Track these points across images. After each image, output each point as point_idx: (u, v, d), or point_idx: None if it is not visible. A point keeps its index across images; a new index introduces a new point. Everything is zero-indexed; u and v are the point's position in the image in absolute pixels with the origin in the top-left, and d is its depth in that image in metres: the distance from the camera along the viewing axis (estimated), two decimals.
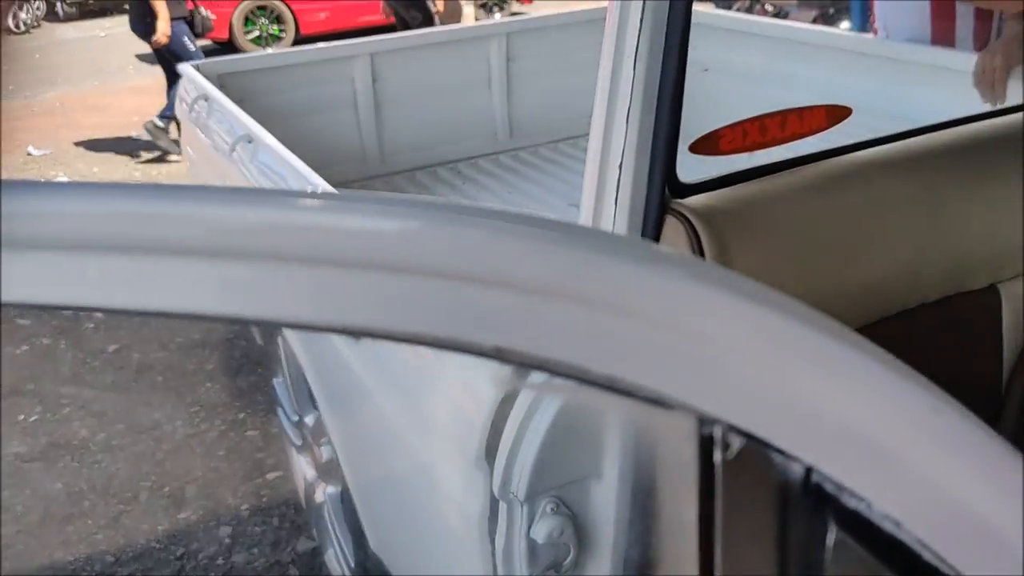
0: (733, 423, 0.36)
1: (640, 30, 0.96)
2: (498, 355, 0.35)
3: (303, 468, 2.40)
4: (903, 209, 1.14)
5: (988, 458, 0.37)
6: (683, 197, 1.08)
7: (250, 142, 2.13)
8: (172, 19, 5.14)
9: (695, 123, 1.28)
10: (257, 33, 9.28)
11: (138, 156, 6.06)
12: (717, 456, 0.39)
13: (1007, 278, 1.21)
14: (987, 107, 1.90)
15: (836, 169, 1.15)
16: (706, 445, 0.39)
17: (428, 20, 5.37)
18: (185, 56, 4.80)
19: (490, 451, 1.17)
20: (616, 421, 1.15)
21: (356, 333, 0.36)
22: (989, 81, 2.03)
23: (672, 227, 1.03)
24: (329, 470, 2.12)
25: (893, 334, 1.13)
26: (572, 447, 1.14)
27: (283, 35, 9.40)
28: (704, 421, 0.37)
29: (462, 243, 0.36)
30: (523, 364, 0.35)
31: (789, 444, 0.36)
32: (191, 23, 5.39)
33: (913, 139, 1.22)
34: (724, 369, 0.36)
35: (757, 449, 0.36)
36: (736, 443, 0.37)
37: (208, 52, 8.87)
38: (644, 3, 0.96)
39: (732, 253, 1.01)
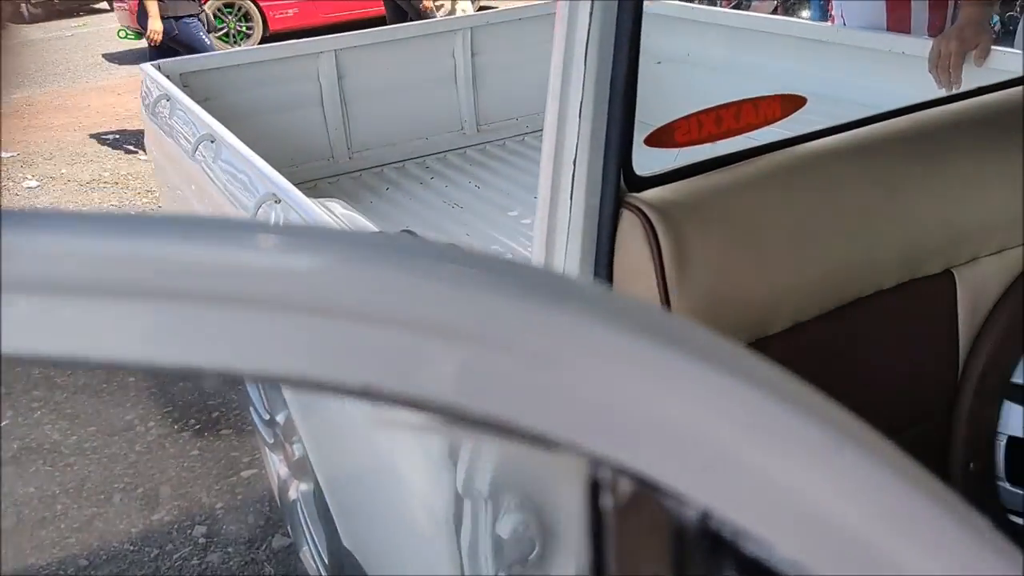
0: (622, 463, 0.34)
1: (590, 23, 0.96)
2: (366, 394, 0.33)
3: (276, 466, 2.40)
4: (859, 197, 1.15)
5: (889, 493, 0.36)
6: (639, 191, 1.09)
7: (212, 142, 2.12)
8: (185, 16, 5.17)
9: (657, 114, 1.29)
10: (225, 30, 9.20)
11: (107, 157, 6.00)
12: (607, 500, 0.37)
13: (961, 263, 1.22)
14: (943, 92, 1.92)
15: (792, 159, 1.16)
16: (594, 489, 0.37)
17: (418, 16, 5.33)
18: (202, 50, 4.86)
19: (453, 448, 1.17)
20: None
21: (219, 375, 0.33)
22: (945, 67, 2.06)
23: (628, 222, 1.04)
24: (301, 468, 2.11)
25: (850, 322, 1.15)
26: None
27: (251, 32, 9.33)
28: (591, 462, 0.35)
29: (327, 276, 0.33)
30: (396, 402, 0.33)
31: (683, 485, 0.34)
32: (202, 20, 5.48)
33: (868, 127, 1.23)
34: (608, 405, 0.34)
35: (649, 492, 0.34)
36: (627, 486, 0.36)
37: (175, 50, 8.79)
38: None
39: (688, 246, 1.02)
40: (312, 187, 3.12)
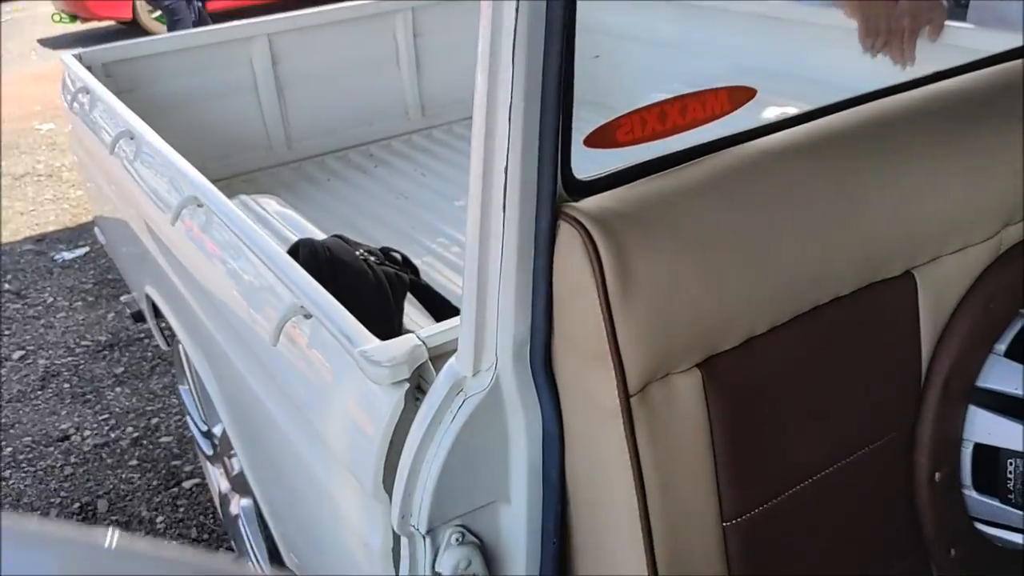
0: None
1: (517, 12, 0.86)
2: None
3: (217, 479, 2.29)
4: (813, 198, 1.07)
5: None
6: (580, 195, 1.00)
7: (132, 139, 1.99)
8: None
9: (615, 96, 1.18)
10: (160, 12, 8.91)
11: (41, 148, 5.77)
12: None
13: (922, 263, 1.15)
14: (897, 75, 1.85)
15: (741, 158, 1.08)
16: None
17: None
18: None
19: (388, 481, 1.08)
20: (521, 441, 1.07)
21: None
22: (898, 43, 1.99)
23: (566, 234, 0.95)
24: (241, 482, 2.01)
25: (807, 332, 1.07)
26: (476, 471, 1.06)
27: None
28: None
29: None
30: None
31: None
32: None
33: (820, 120, 1.15)
34: None
35: None
36: None
37: (111, 34, 8.50)
38: None
39: (632, 260, 0.93)
40: (250, 179, 2.99)
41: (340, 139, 3.15)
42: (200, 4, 6.19)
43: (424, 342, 1.10)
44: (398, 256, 1.56)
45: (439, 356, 1.11)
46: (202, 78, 2.91)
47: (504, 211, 0.94)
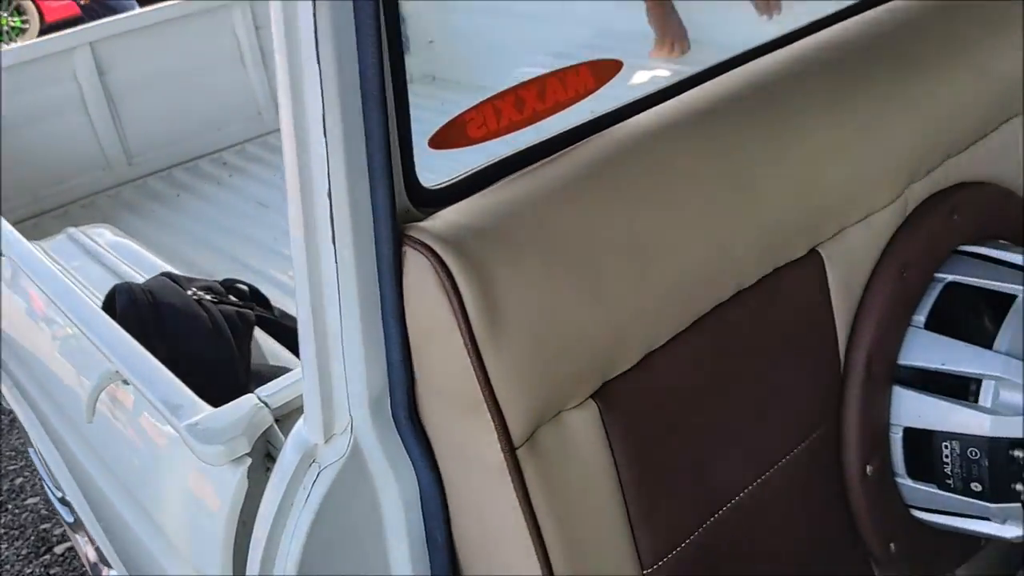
0: None
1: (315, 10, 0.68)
2: None
3: (82, 545, 2.05)
4: (700, 181, 0.92)
5: None
6: (433, 207, 0.83)
7: None
8: None
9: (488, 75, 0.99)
10: None
11: None
12: None
13: (826, 239, 1.02)
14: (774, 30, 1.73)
15: (615, 143, 0.92)
16: None
17: None
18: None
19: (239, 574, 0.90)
20: (397, 511, 0.90)
21: None
22: None
23: (414, 262, 0.77)
24: (103, 553, 1.78)
25: (711, 336, 0.93)
26: (346, 552, 0.88)
27: (27, 26, 8.43)
28: None
29: None
30: None
31: None
32: None
33: (698, 89, 1.01)
34: None
35: None
36: None
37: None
38: None
39: (497, 285, 0.77)
40: (88, 204, 2.70)
41: (187, 149, 2.88)
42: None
43: (266, 403, 0.91)
44: (244, 288, 1.35)
45: (290, 415, 0.92)
46: (22, 98, 2.61)
47: (334, 241, 0.76)
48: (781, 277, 0.98)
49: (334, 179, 0.74)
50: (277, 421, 0.93)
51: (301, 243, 0.76)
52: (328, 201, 0.75)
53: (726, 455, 0.95)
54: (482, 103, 0.90)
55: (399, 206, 0.81)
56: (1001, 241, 1.17)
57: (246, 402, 0.91)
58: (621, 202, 0.86)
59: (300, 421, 0.87)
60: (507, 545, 0.84)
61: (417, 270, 0.76)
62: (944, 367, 1.06)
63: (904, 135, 1.06)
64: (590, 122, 0.95)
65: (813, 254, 1.01)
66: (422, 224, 0.79)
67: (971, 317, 1.10)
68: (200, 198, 2.71)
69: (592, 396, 0.84)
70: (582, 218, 0.84)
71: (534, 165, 0.90)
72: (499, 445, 0.78)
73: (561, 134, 0.94)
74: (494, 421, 0.78)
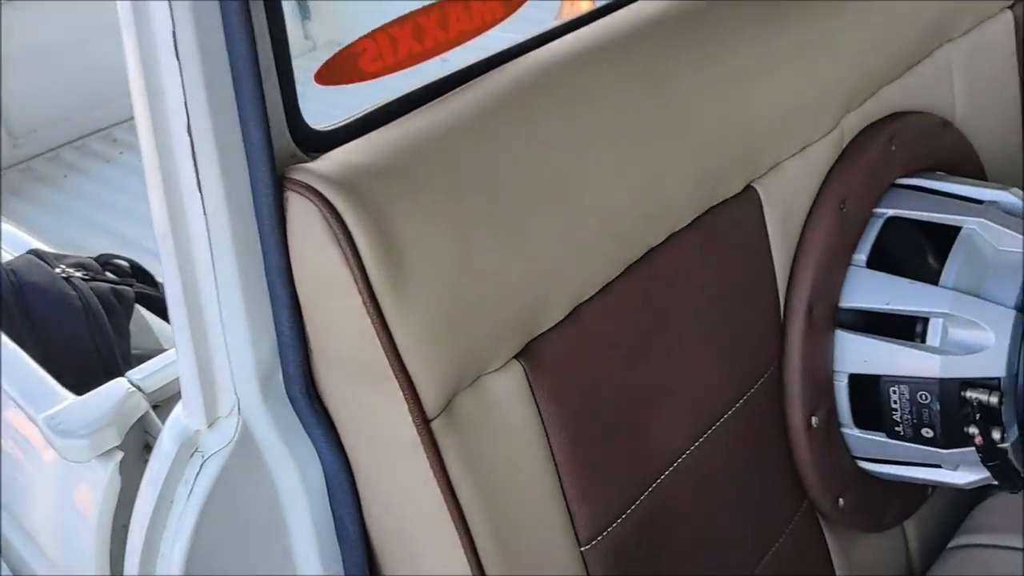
0: None
1: None
2: None
3: None
4: (625, 110, 0.83)
5: None
6: (320, 151, 0.72)
7: None
8: None
9: None
10: None
11: None
12: None
13: (762, 173, 0.94)
14: None
15: (532, 72, 0.82)
16: None
17: None
18: None
19: None
20: (299, 499, 0.79)
21: None
22: None
23: (298, 209, 0.66)
24: None
25: (644, 283, 0.84)
26: (242, 550, 0.78)
27: None
28: None
29: None
30: None
31: None
32: None
33: (621, 11, 0.91)
34: None
35: None
36: None
37: None
38: None
39: (400, 234, 0.66)
40: None
41: (76, 127, 2.69)
42: None
43: (139, 387, 0.79)
44: (124, 263, 1.22)
45: (171, 400, 0.81)
46: None
47: (200, 189, 0.64)
48: (717, 216, 0.90)
49: (194, 112, 0.62)
50: (156, 407, 0.81)
51: (159, 192, 0.64)
52: (189, 139, 0.63)
53: (666, 414, 0.87)
54: (376, 31, 0.79)
55: (281, 149, 0.70)
56: (939, 172, 1.11)
57: (116, 387, 0.79)
58: (539, 135, 0.76)
59: (179, 406, 0.75)
60: (427, 531, 0.74)
61: (302, 218, 0.65)
62: (889, 307, 0.99)
63: (838, 59, 0.99)
64: (503, 52, 0.85)
65: (749, 190, 0.93)
66: (306, 165, 0.68)
67: (914, 253, 1.04)
68: (90, 178, 2.54)
69: (516, 357, 0.74)
70: (497, 154, 0.74)
71: (441, 99, 0.79)
72: (411, 418, 0.68)
73: (471, 65, 0.84)
74: (403, 391, 0.67)
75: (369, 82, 0.81)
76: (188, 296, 0.68)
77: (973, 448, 0.96)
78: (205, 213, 0.65)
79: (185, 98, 0.62)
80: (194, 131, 0.63)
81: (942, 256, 1.00)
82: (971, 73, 1.20)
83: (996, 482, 1.00)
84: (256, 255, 0.68)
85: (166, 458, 0.73)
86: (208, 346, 0.70)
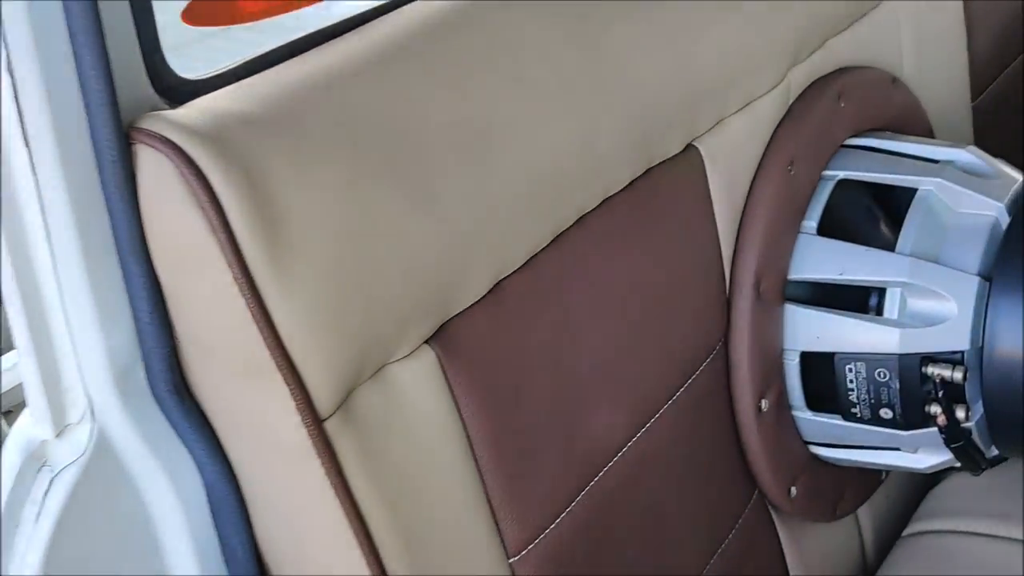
0: None
1: None
2: None
3: None
4: (549, 54, 0.73)
5: None
6: (184, 100, 0.60)
7: None
8: None
9: None
10: None
11: None
12: None
13: (705, 131, 0.85)
14: None
15: (436, 10, 0.71)
16: None
17: None
18: None
19: None
20: (174, 514, 0.67)
21: None
22: None
23: (150, 165, 0.54)
24: None
25: (576, 253, 0.74)
26: (104, 571, 0.66)
27: None
28: None
29: None
30: None
31: None
32: None
33: None
34: None
35: None
36: None
37: None
38: None
39: (280, 196, 0.55)
40: None
41: None
42: None
43: None
44: None
45: (16, 408, 0.68)
46: None
47: (27, 142, 0.52)
48: (655, 178, 0.80)
49: (15, 46, 0.50)
50: (7, 414, 0.69)
51: None
52: (10, 79, 0.50)
53: (602, 403, 0.77)
54: None
55: (138, 99, 0.58)
56: (888, 132, 1.04)
57: None
58: (448, 78, 0.65)
59: (25, 412, 0.63)
60: (327, 549, 0.63)
61: (154, 176, 0.53)
62: (842, 277, 0.91)
63: (783, 7, 0.90)
64: None
65: (691, 150, 0.84)
66: (161, 112, 0.56)
67: (867, 218, 0.96)
68: None
69: (427, 341, 0.63)
70: (400, 101, 0.63)
71: (332, 42, 0.68)
72: (299, 418, 0.57)
73: (371, 9, 0.73)
74: (289, 385, 0.56)
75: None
76: (22, 279, 0.56)
77: (935, 429, 0.89)
78: (34, 173, 0.53)
79: (9, 62, 0.49)
80: (16, 70, 0.51)
81: (898, 221, 0.92)
82: (919, 27, 1.13)
83: (958, 464, 0.92)
84: (103, 224, 0.55)
85: (9, 474, 0.60)
86: (51, 341, 0.58)
